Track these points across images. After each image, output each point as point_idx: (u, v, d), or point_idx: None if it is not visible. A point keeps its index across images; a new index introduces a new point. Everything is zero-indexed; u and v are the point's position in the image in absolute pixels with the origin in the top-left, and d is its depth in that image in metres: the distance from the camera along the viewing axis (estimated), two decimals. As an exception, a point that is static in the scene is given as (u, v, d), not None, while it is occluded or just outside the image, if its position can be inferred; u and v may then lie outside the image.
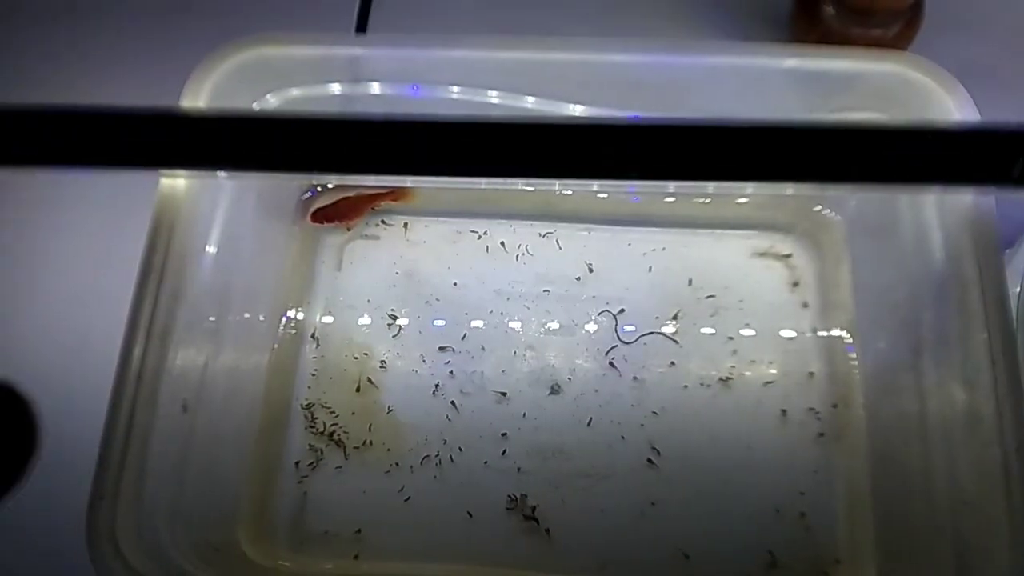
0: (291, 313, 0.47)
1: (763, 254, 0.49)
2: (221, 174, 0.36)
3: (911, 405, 0.35)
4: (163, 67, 0.39)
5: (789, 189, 0.42)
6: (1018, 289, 0.37)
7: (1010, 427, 0.29)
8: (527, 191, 0.50)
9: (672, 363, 0.47)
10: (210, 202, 0.37)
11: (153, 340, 0.31)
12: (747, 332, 0.47)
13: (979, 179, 0.30)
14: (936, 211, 0.35)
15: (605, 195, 0.50)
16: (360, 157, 0.30)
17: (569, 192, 0.50)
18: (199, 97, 0.36)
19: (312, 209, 0.49)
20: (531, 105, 0.42)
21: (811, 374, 0.45)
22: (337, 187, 0.49)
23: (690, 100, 0.39)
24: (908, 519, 0.35)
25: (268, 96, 0.41)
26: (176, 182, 0.34)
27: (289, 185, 0.46)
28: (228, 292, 0.38)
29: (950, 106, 0.34)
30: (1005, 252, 0.35)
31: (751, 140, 0.29)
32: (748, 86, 0.38)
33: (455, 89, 0.43)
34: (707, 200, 0.49)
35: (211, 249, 0.37)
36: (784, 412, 0.45)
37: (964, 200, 0.33)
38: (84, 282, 0.48)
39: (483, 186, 0.50)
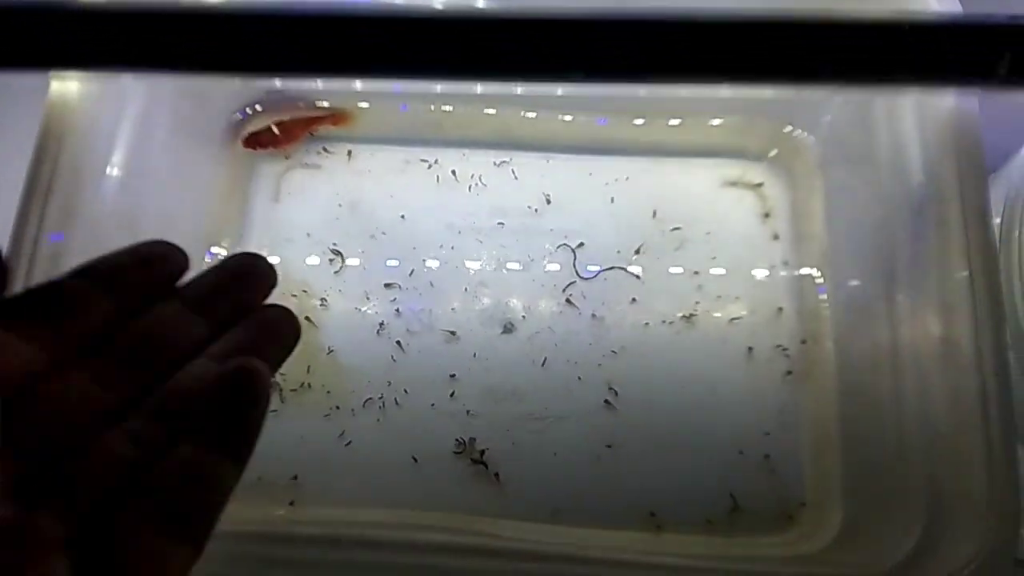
0: (223, 246, 0.44)
1: (733, 183, 0.46)
2: (126, 77, 0.32)
3: (883, 337, 0.33)
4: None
5: (766, 92, 0.39)
6: (998, 219, 0.35)
7: (989, 351, 0.26)
8: (481, 115, 0.47)
9: (633, 300, 0.44)
10: (113, 116, 0.33)
11: (40, 263, 0.28)
12: (714, 266, 0.44)
13: (962, 77, 0.27)
14: (915, 125, 0.32)
15: (569, 118, 0.47)
16: (292, 53, 0.27)
17: (533, 115, 0.47)
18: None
19: (245, 133, 0.45)
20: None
21: (780, 309, 0.43)
22: (272, 108, 0.45)
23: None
24: (877, 457, 0.33)
25: None
26: (69, 86, 0.30)
27: (214, 102, 0.42)
28: (137, 219, 0.34)
29: (931, -1, 0.30)
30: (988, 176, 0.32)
31: (717, 35, 0.26)
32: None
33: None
34: (679, 122, 0.45)
35: (114, 171, 0.33)
36: (751, 350, 0.42)
37: (945, 110, 0.30)
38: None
39: (434, 109, 0.46)
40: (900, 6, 0.31)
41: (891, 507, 0.31)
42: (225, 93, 0.42)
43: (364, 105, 0.46)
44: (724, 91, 0.42)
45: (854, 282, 0.38)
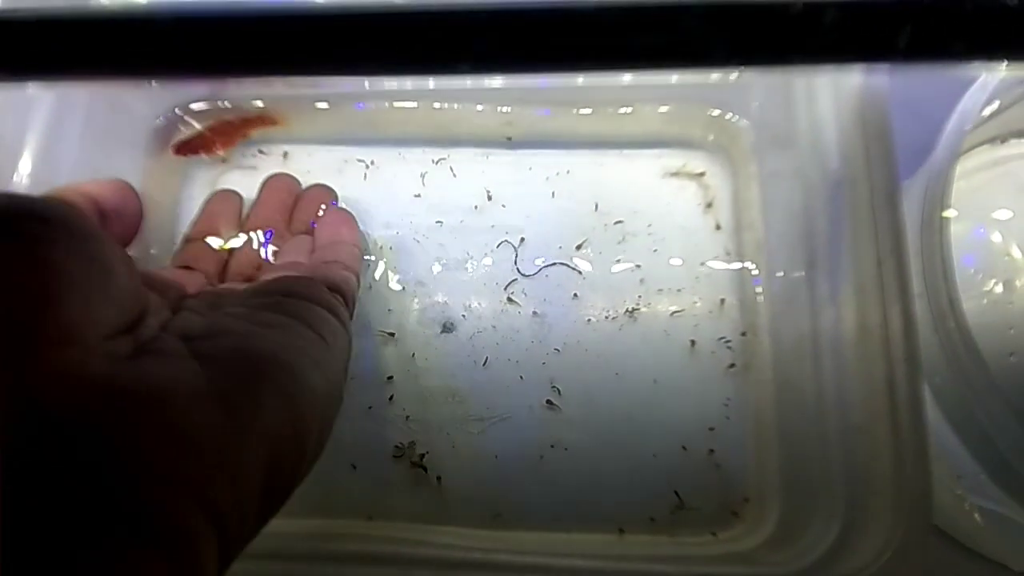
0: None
1: (675, 173, 0.45)
2: (31, 86, 0.32)
3: (806, 326, 0.33)
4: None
5: (673, 78, 0.39)
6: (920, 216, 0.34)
7: (898, 337, 0.26)
8: (417, 111, 0.46)
9: (575, 295, 0.43)
10: (16, 130, 0.33)
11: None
12: (656, 259, 0.44)
13: (862, 54, 0.26)
14: (831, 106, 0.32)
15: (507, 109, 0.46)
16: (200, 55, 0.26)
17: (473, 108, 0.46)
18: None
19: (175, 141, 0.44)
20: None
21: (723, 301, 0.42)
22: (198, 113, 0.45)
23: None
24: (806, 450, 0.33)
25: None
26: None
27: (132, 109, 0.42)
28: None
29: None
30: (904, 182, 0.32)
31: (608, 20, 0.26)
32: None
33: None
34: (618, 112, 0.45)
35: (22, 181, 0.33)
36: (693, 343, 0.42)
37: (855, 89, 0.29)
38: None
39: (364, 107, 0.46)
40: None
41: (817, 500, 0.30)
42: (145, 99, 0.42)
43: (293, 104, 0.46)
44: (660, 79, 0.42)
45: (783, 269, 0.38)
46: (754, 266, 0.41)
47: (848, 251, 0.29)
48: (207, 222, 0.40)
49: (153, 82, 0.41)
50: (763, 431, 0.39)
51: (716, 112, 0.43)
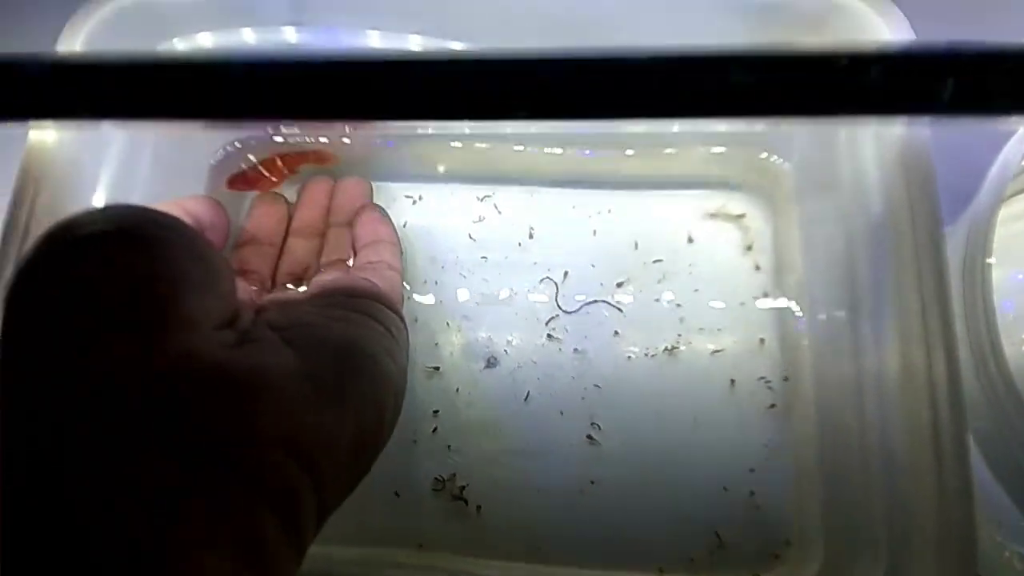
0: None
1: (715, 214, 0.47)
2: (105, 125, 0.34)
3: (850, 368, 0.33)
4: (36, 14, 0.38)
5: (721, 126, 0.40)
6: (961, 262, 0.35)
7: (942, 380, 0.27)
8: (466, 151, 0.48)
9: (616, 332, 0.45)
10: (93, 161, 0.35)
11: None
12: (696, 298, 0.45)
13: (905, 106, 0.27)
14: (873, 151, 0.33)
15: (553, 150, 0.48)
16: (267, 100, 0.28)
17: (521, 148, 0.48)
18: (75, 44, 0.34)
19: (229, 175, 0.47)
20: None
21: (762, 341, 0.43)
22: (253, 147, 0.47)
23: (613, 35, 0.37)
24: (850, 494, 0.33)
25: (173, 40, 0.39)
26: (47, 134, 0.33)
27: (195, 145, 0.44)
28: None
29: (883, 28, 0.31)
30: (947, 228, 0.32)
31: (677, 71, 0.27)
32: (672, 15, 0.36)
33: (375, 34, 0.42)
34: (662, 153, 0.46)
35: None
36: (733, 382, 0.43)
37: (898, 137, 0.31)
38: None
39: (412, 145, 0.48)
40: (851, 36, 0.32)
41: (859, 544, 0.31)
42: (207, 135, 0.44)
43: (347, 142, 0.48)
44: (705, 123, 0.44)
45: (825, 312, 0.38)
46: (797, 307, 0.42)
47: (891, 295, 0.29)
48: (255, 225, 0.43)
49: (217, 123, 0.43)
50: (805, 473, 0.39)
51: (759, 155, 0.44)
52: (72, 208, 0.34)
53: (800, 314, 0.42)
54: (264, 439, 0.21)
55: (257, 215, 0.44)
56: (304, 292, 0.35)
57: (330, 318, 0.28)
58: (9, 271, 0.30)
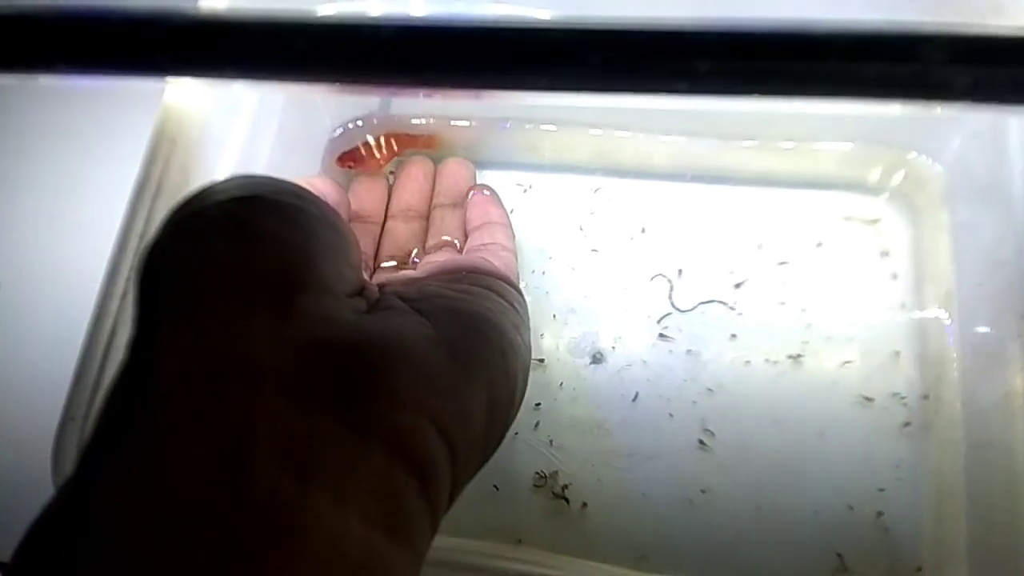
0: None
1: (848, 218, 0.44)
2: (238, 87, 0.34)
3: (1017, 382, 0.31)
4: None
5: (886, 114, 0.38)
6: None
7: None
8: (579, 137, 0.47)
9: (733, 336, 0.43)
10: (223, 124, 0.36)
11: (145, 257, 0.30)
12: (824, 305, 0.43)
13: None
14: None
15: (667, 138, 0.46)
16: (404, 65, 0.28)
17: (631, 137, 0.47)
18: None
19: (340, 152, 0.47)
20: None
21: (897, 354, 0.41)
22: (367, 127, 0.47)
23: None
24: (1007, 519, 0.31)
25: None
26: (183, 93, 0.33)
27: (319, 119, 0.44)
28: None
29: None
30: None
31: (857, 46, 0.26)
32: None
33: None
34: (789, 147, 0.44)
35: (226, 171, 0.35)
36: (864, 396, 0.40)
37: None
38: (69, 205, 0.48)
39: (523, 130, 0.47)
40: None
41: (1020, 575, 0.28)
42: (331, 110, 0.44)
43: (464, 124, 0.47)
44: (842, 114, 0.41)
45: (983, 324, 0.36)
46: (943, 319, 0.40)
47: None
48: (357, 204, 0.43)
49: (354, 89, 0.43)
50: (946, 496, 0.36)
51: (902, 154, 0.42)
52: (203, 169, 0.34)
53: (949, 324, 0.39)
54: (404, 402, 0.20)
55: (359, 192, 0.44)
56: (418, 272, 0.35)
57: (458, 291, 0.28)
58: (140, 227, 0.31)
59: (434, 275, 0.31)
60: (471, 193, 0.43)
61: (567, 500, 0.40)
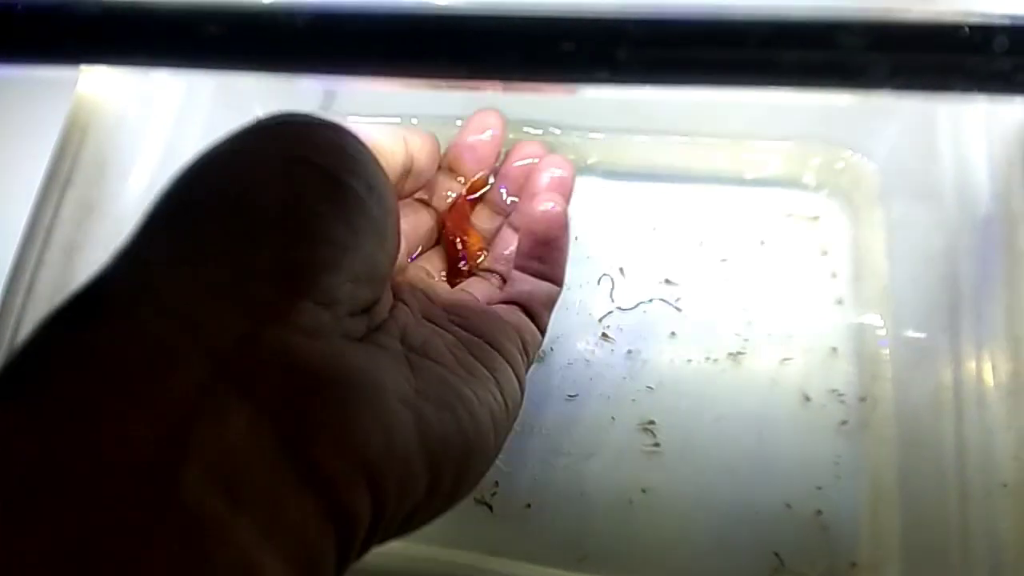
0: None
1: (788, 215, 0.45)
2: (161, 75, 0.34)
3: (946, 379, 0.31)
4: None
5: (823, 114, 0.38)
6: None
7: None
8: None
9: (673, 334, 0.43)
10: (144, 113, 0.35)
11: (52, 251, 0.29)
12: (764, 303, 0.43)
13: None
14: (984, 148, 0.31)
15: (600, 136, 0.47)
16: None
17: (579, 135, 0.47)
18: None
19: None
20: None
21: (834, 350, 0.41)
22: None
23: None
24: (938, 513, 0.31)
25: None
26: (98, 81, 0.32)
27: (250, 113, 0.43)
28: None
29: None
30: None
31: (761, 35, 0.26)
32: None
33: None
34: (728, 145, 0.45)
35: (144, 168, 0.35)
36: (803, 394, 0.41)
37: (1017, 127, 0.29)
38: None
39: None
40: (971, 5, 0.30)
41: (947, 569, 0.29)
42: (264, 102, 0.44)
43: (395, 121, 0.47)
44: (778, 107, 0.42)
45: (915, 320, 0.37)
46: (878, 316, 0.40)
47: (1001, 295, 0.28)
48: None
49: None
50: (881, 493, 0.37)
51: (839, 152, 0.43)
52: (118, 161, 0.33)
53: (881, 323, 0.40)
54: (347, 453, 0.20)
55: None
56: (443, 299, 0.31)
57: (460, 363, 0.27)
58: (47, 220, 0.30)
59: (453, 324, 0.29)
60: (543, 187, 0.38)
61: (508, 502, 0.40)
